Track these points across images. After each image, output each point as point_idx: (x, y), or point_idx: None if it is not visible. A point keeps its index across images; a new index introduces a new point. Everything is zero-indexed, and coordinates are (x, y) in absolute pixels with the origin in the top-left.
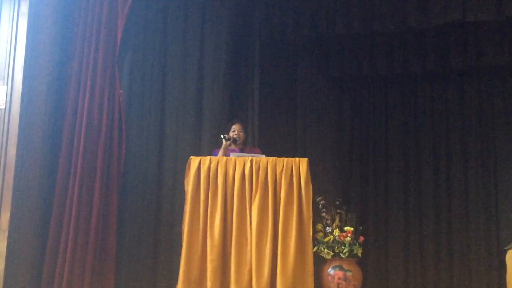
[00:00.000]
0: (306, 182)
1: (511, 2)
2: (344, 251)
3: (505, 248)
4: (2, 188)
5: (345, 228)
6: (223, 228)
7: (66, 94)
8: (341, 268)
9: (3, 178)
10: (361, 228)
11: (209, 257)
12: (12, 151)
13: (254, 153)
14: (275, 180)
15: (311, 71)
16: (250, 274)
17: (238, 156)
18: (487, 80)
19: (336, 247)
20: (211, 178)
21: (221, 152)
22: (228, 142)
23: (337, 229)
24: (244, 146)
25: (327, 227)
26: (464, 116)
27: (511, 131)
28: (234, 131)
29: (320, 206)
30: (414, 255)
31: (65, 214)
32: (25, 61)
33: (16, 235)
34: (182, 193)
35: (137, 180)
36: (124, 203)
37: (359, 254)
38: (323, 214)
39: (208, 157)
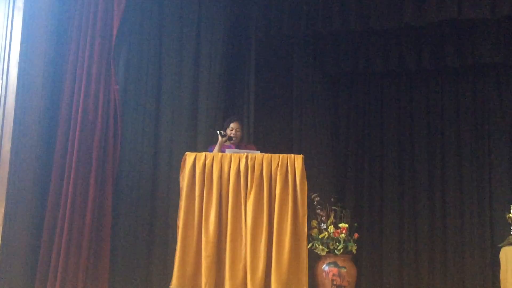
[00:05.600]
0: (301, 179)
1: (506, 0)
2: (339, 247)
3: (499, 246)
4: None
5: (340, 225)
6: (218, 224)
7: (61, 89)
8: (335, 264)
9: None
10: (355, 225)
11: (204, 253)
12: (7, 146)
13: (249, 149)
14: (270, 177)
15: (307, 67)
16: (245, 270)
17: (233, 153)
18: (482, 77)
19: (331, 244)
20: (206, 174)
21: (216, 148)
22: (224, 139)
23: (332, 226)
24: (240, 143)
25: (322, 224)
26: (459, 113)
27: (506, 128)
28: (232, 130)
29: (315, 202)
30: (408, 252)
31: (59, 209)
32: (20, 56)
33: (10, 230)
34: (177, 189)
35: (132, 175)
36: (119, 198)
37: (354, 251)
38: (318, 211)
39: (203, 153)
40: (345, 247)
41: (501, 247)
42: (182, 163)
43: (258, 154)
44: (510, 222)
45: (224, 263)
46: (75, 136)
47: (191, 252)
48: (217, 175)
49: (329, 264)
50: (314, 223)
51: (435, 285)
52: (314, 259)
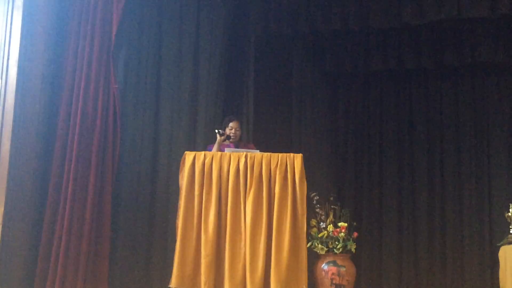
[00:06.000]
0: (300, 178)
1: None
2: (338, 246)
3: (498, 244)
4: None
5: (339, 224)
6: (217, 223)
7: (60, 89)
8: (335, 263)
9: None
10: (355, 223)
11: (203, 252)
12: (6, 145)
13: (248, 149)
14: (270, 176)
15: (306, 66)
16: (244, 269)
17: (233, 152)
18: (482, 76)
19: (330, 243)
20: (206, 173)
21: (215, 147)
22: (222, 138)
23: (331, 225)
24: (239, 142)
25: (321, 223)
26: (458, 112)
27: (505, 127)
28: (231, 129)
29: (314, 201)
30: (408, 251)
31: (59, 209)
32: (20, 55)
33: (9, 229)
34: (177, 188)
35: (132, 175)
36: (118, 198)
37: (353, 250)
38: (317, 210)
39: (202, 152)
40: (344, 246)
41: (500, 246)
42: (181, 162)
43: (257, 153)
44: (509, 221)
45: (224, 262)
46: (75, 135)
47: (191, 251)
48: (217, 174)
49: (328, 263)
50: (314, 222)
51: (434, 284)
52: (313, 258)
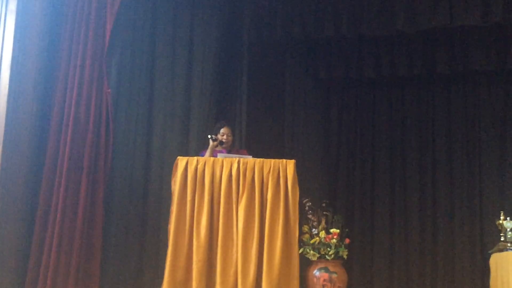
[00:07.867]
0: (293, 184)
1: (498, 8)
2: (330, 253)
3: (489, 252)
4: None
5: (331, 230)
6: (210, 228)
7: (53, 92)
8: (326, 270)
9: None
10: (347, 230)
11: (195, 258)
12: None
13: (241, 154)
14: (262, 182)
15: (299, 72)
16: (236, 275)
17: (225, 157)
18: (473, 84)
19: (322, 249)
20: (198, 178)
21: (208, 152)
22: (215, 143)
23: (323, 231)
24: (232, 147)
25: (313, 229)
26: (450, 120)
27: (497, 135)
28: (223, 135)
29: (307, 208)
30: (399, 258)
31: (50, 212)
32: (12, 59)
33: (1, 233)
34: (169, 193)
35: (124, 179)
36: (110, 202)
37: (345, 256)
38: (310, 216)
39: (195, 158)
40: (336, 253)
41: (491, 253)
42: (174, 167)
43: (250, 159)
44: (500, 228)
45: (215, 268)
46: (67, 139)
47: (182, 256)
48: (209, 180)
49: (320, 269)
50: (306, 228)
51: None
52: (305, 264)
